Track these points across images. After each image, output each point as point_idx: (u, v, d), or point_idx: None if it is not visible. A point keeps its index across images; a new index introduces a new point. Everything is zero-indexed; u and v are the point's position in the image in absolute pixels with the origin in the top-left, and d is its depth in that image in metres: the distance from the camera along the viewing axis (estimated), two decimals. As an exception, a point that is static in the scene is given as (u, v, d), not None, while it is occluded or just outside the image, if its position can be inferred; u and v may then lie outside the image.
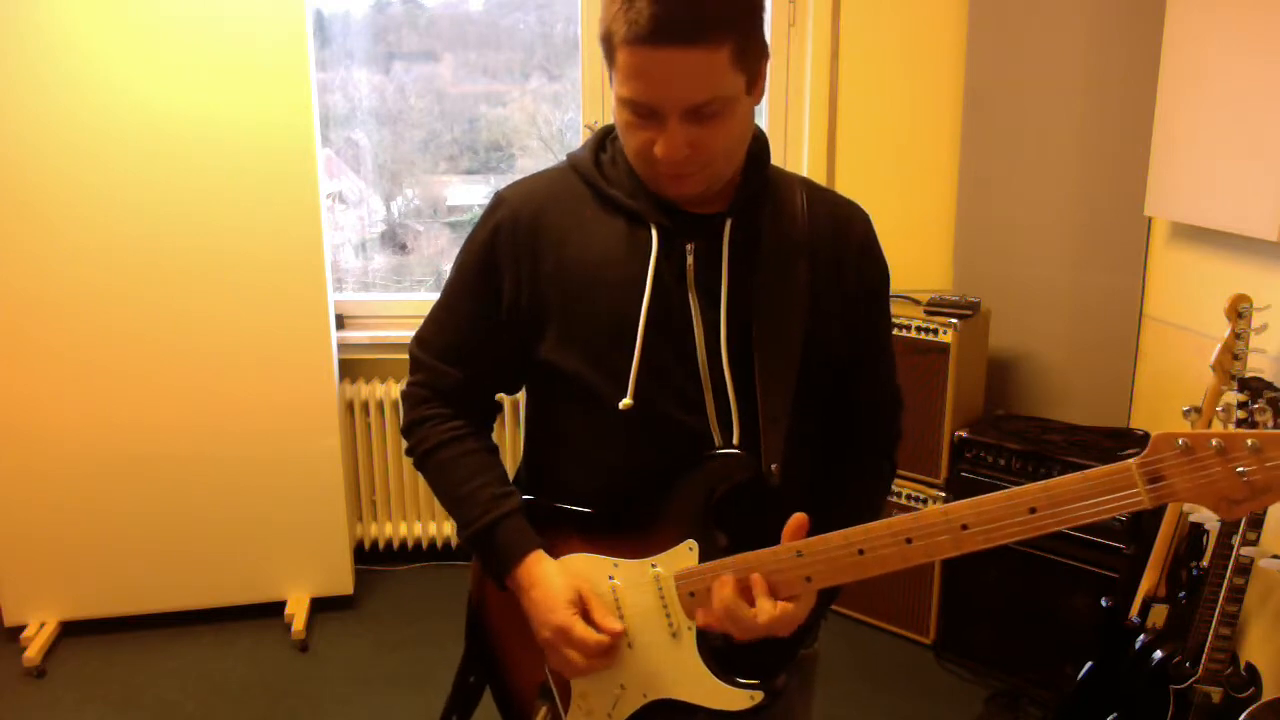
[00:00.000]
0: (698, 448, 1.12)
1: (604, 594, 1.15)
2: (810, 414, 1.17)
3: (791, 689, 1.26)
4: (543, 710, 1.20)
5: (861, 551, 1.01)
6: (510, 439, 3.11)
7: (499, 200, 1.20)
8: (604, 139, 1.20)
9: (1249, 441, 0.83)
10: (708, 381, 1.12)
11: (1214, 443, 0.84)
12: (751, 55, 1.03)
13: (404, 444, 1.26)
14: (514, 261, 1.16)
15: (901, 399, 1.29)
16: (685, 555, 1.11)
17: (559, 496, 1.21)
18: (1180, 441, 0.85)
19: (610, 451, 1.16)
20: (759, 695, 1.09)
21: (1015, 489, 0.94)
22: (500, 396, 1.29)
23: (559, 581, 1.13)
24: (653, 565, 1.12)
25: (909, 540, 0.98)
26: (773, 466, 1.10)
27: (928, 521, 0.97)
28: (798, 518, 1.05)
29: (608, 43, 1.03)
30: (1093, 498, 0.90)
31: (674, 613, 1.12)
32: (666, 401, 1.12)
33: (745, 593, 1.06)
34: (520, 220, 1.16)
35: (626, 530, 1.15)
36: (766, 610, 1.04)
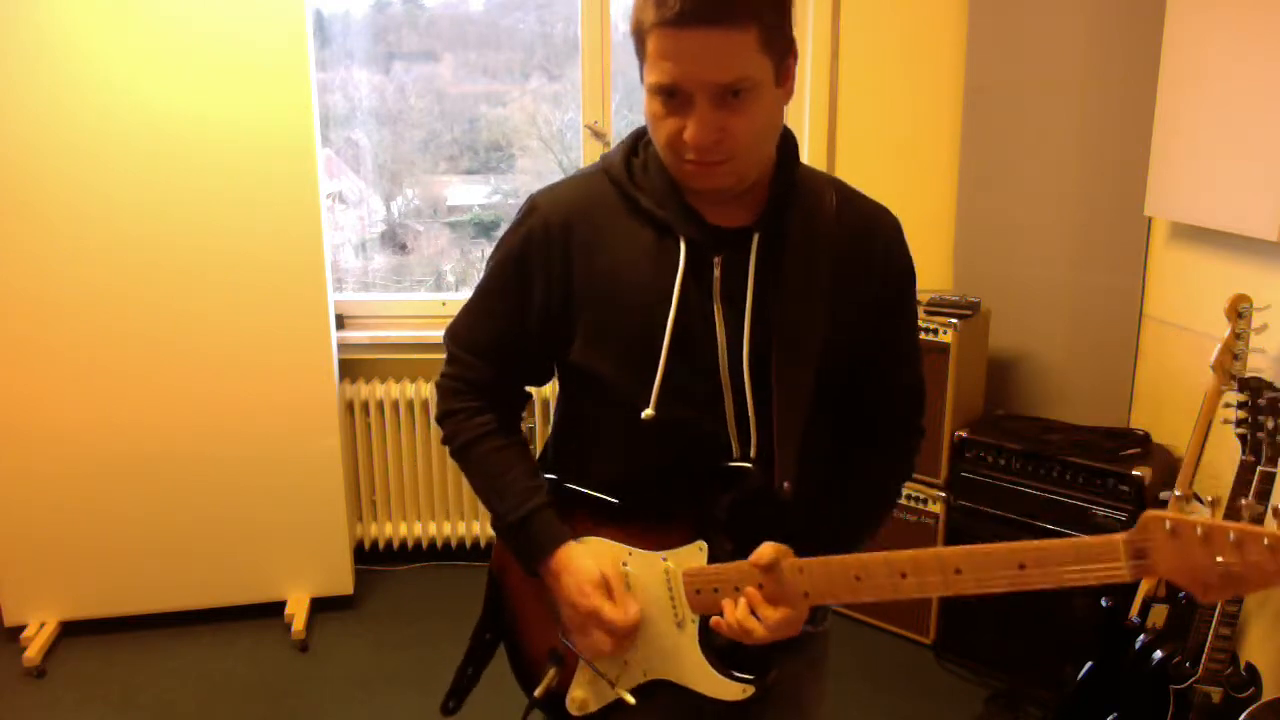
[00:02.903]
0: (717, 455, 1.17)
1: (619, 577, 1.21)
2: (826, 422, 1.21)
3: (799, 667, 1.32)
4: (551, 673, 1.26)
5: (858, 579, 1.06)
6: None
7: (532, 206, 1.21)
8: (637, 142, 1.21)
9: (1230, 535, 0.88)
10: (729, 392, 1.16)
11: (1199, 531, 0.89)
12: (778, 44, 1.05)
13: (439, 432, 1.33)
14: (545, 267, 1.18)
15: (923, 395, 1.32)
16: (695, 554, 1.16)
17: (581, 481, 1.27)
18: (1167, 525, 0.90)
19: (632, 451, 1.21)
20: (750, 689, 1.16)
21: (1012, 544, 0.99)
22: (531, 389, 1.35)
23: (587, 565, 1.19)
24: (664, 559, 1.18)
25: (904, 575, 1.04)
26: (784, 484, 1.14)
27: (923, 560, 1.03)
28: (767, 553, 1.09)
29: (638, 33, 1.06)
30: (1079, 564, 0.96)
31: (680, 605, 1.18)
32: (688, 411, 1.16)
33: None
34: (551, 227, 1.18)
35: (642, 522, 1.20)
36: (770, 618, 1.10)
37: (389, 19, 3.31)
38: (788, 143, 1.18)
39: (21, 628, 2.79)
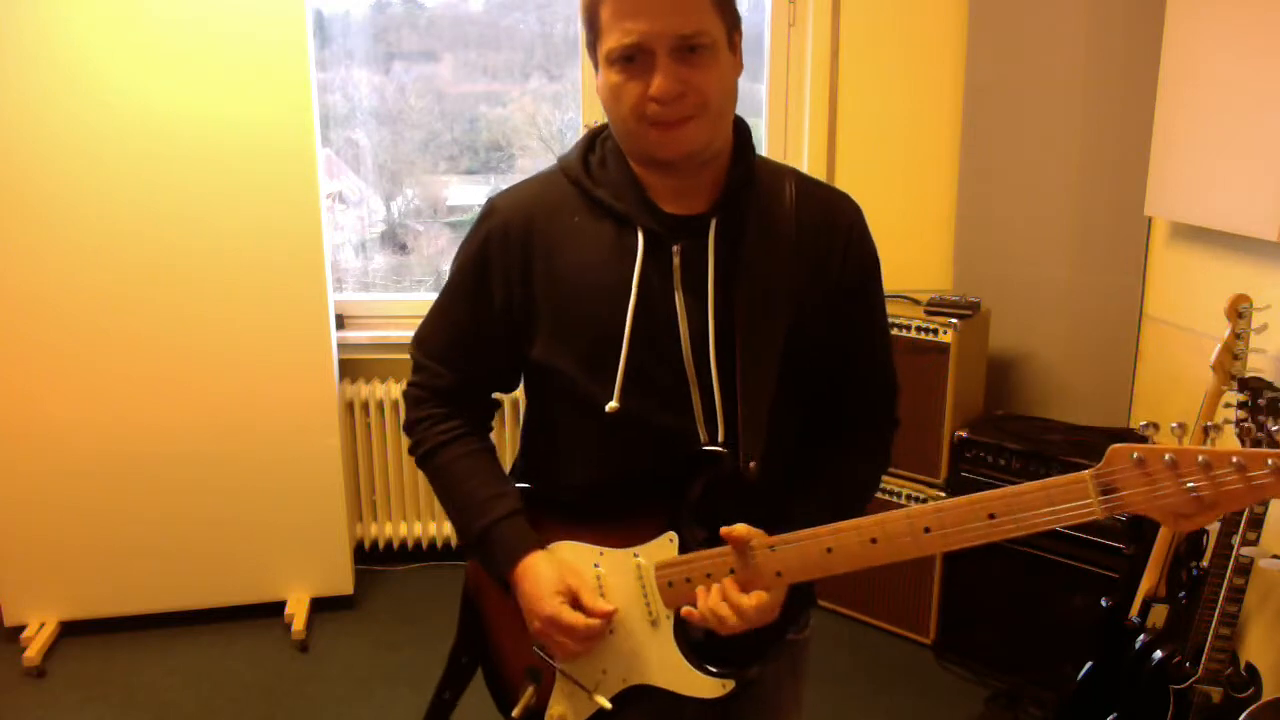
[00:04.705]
0: (684, 445, 1.15)
1: (589, 580, 1.18)
2: (792, 409, 1.20)
3: (780, 672, 1.30)
4: (529, 691, 1.23)
5: (830, 550, 1.05)
6: (510, 436, 3.10)
7: (490, 209, 1.22)
8: (594, 140, 1.22)
9: (1200, 458, 0.86)
10: (694, 382, 1.14)
11: (1166, 458, 0.87)
12: (728, 11, 1.10)
13: (406, 442, 1.31)
14: (505, 270, 1.18)
15: (896, 383, 1.30)
16: (666, 547, 1.15)
17: (551, 486, 1.25)
18: (1134, 455, 0.88)
19: (599, 449, 1.19)
20: (730, 684, 1.14)
21: (977, 494, 0.97)
22: (499, 395, 1.31)
23: (547, 573, 1.16)
24: (635, 555, 1.16)
25: (874, 540, 1.02)
26: (750, 464, 1.12)
27: (892, 525, 1.02)
28: (739, 529, 1.08)
29: (591, 8, 1.08)
30: (1049, 506, 0.93)
31: (654, 601, 1.16)
32: (652, 403, 1.15)
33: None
34: (511, 229, 1.18)
35: (612, 521, 1.19)
36: (743, 603, 1.07)
37: (389, 19, 3.31)
38: (742, 132, 1.19)
39: (21, 628, 2.79)
